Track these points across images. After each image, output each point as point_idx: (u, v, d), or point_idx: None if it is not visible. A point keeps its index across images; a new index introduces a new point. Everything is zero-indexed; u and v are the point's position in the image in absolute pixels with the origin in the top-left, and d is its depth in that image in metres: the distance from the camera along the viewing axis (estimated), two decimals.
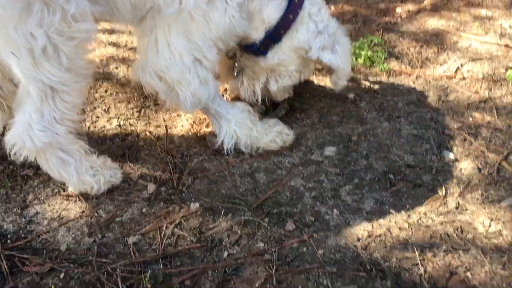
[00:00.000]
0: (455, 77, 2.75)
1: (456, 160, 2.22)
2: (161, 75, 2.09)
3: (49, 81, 1.75)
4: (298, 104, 2.62)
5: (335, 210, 2.00)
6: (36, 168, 2.19)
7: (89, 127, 2.45)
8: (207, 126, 2.45)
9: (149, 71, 2.10)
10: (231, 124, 2.28)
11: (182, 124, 2.48)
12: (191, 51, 2.04)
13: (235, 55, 2.43)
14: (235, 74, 2.47)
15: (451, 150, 2.28)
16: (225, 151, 2.29)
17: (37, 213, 2.00)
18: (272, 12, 2.16)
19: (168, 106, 2.27)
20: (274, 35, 2.20)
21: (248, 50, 2.32)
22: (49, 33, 1.65)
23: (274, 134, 2.31)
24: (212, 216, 1.98)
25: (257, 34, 2.21)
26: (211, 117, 2.32)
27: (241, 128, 2.28)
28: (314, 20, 2.21)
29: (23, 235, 1.90)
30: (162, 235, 1.89)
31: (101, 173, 2.05)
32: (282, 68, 2.34)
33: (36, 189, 2.11)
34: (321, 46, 2.21)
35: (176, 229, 1.91)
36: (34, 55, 1.68)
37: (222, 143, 2.30)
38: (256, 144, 2.30)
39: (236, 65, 2.45)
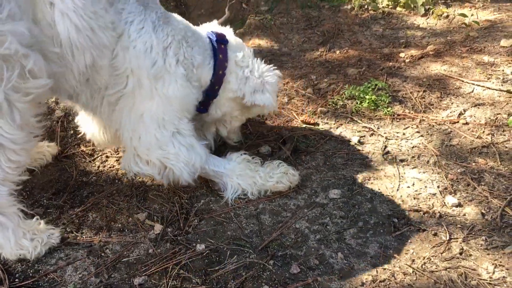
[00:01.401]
0: (458, 122, 2.80)
1: (459, 205, 2.25)
2: (146, 159, 2.18)
3: (0, 138, 1.71)
4: (303, 147, 2.67)
5: (339, 254, 2.01)
6: (46, 207, 2.24)
7: (98, 167, 2.50)
8: None
9: (134, 161, 2.21)
10: (233, 179, 2.33)
11: None
12: (164, 127, 2.15)
13: None
14: None
15: (454, 195, 2.30)
16: (230, 202, 2.31)
17: (46, 252, 2.02)
18: (206, 74, 2.29)
19: (166, 184, 2.30)
20: (211, 93, 2.35)
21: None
22: (6, 89, 1.63)
23: (279, 175, 2.35)
24: (217, 258, 2.00)
25: (200, 96, 2.34)
26: (213, 178, 2.37)
27: (244, 180, 2.33)
28: (241, 66, 2.35)
29: (31, 274, 1.92)
30: (167, 276, 1.91)
31: (38, 236, 1.98)
32: (227, 118, 2.50)
33: None
34: (252, 90, 2.34)
35: (181, 271, 1.93)
36: None
37: (230, 197, 2.32)
38: (263, 188, 2.35)
39: None
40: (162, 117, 2.13)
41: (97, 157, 2.56)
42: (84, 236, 2.10)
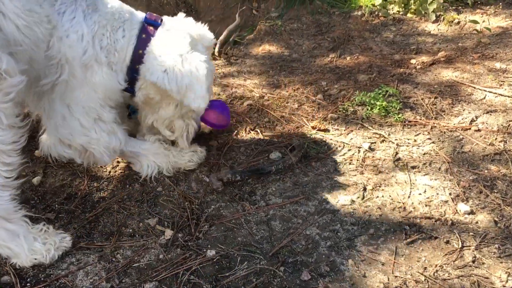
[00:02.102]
0: (470, 128, 2.78)
1: (472, 212, 2.23)
2: (68, 143, 2.26)
3: None
4: (313, 153, 2.66)
5: (350, 261, 2.00)
6: (57, 212, 2.26)
7: (109, 172, 2.52)
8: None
9: (55, 144, 2.28)
10: (149, 157, 2.45)
11: (199, 170, 2.53)
12: (88, 114, 2.20)
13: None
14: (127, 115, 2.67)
15: (467, 202, 2.28)
16: (148, 179, 2.45)
17: (59, 256, 2.03)
18: (129, 53, 2.27)
19: (86, 165, 2.41)
20: (133, 72, 2.30)
21: (129, 92, 2.39)
22: None
23: (190, 154, 2.52)
24: (228, 264, 2.00)
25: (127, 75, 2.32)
26: (129, 158, 2.49)
27: (158, 158, 2.46)
28: (162, 48, 2.24)
29: (42, 279, 1.93)
30: (178, 282, 1.91)
31: (50, 240, 2.00)
32: (152, 102, 2.39)
33: None
34: (155, 67, 2.21)
35: (192, 276, 1.93)
36: None
37: (147, 175, 2.46)
38: (177, 166, 2.50)
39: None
40: (88, 104, 2.19)
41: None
42: (95, 241, 2.11)
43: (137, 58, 2.27)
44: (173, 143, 2.58)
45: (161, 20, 2.35)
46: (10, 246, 1.91)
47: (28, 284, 1.91)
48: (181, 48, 2.21)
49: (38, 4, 1.97)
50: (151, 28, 2.30)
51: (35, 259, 1.96)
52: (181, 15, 2.43)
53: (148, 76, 2.23)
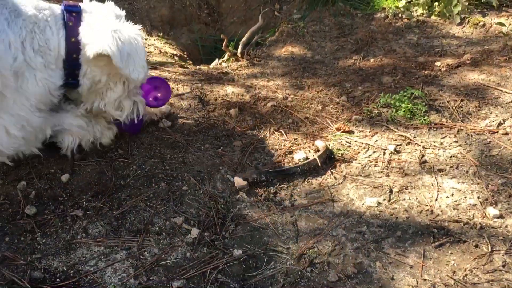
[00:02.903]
0: (497, 132, 2.75)
1: (501, 216, 2.20)
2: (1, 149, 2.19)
3: None
4: (338, 154, 2.65)
5: (378, 263, 1.99)
6: (85, 209, 2.28)
7: (136, 170, 2.54)
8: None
9: None
10: (72, 132, 2.45)
11: (224, 170, 2.54)
12: (17, 123, 2.15)
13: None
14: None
15: (495, 206, 2.25)
16: (69, 153, 2.50)
17: (85, 253, 2.06)
18: (62, 46, 2.23)
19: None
20: (72, 63, 2.27)
21: (69, 86, 2.37)
22: None
23: (108, 130, 2.57)
24: (254, 263, 2.00)
25: (64, 69, 2.29)
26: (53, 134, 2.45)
27: (80, 133, 2.47)
28: (93, 25, 2.25)
29: (71, 275, 1.95)
30: (205, 280, 1.91)
31: None
32: (99, 86, 2.38)
33: (85, 229, 2.18)
34: (93, 40, 2.21)
35: (219, 275, 1.94)
36: None
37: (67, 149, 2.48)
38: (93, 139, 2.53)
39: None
40: (18, 113, 2.14)
41: (135, 161, 2.60)
42: (122, 238, 2.13)
43: (72, 46, 2.24)
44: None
45: (78, 5, 2.32)
46: None
47: (58, 279, 1.93)
48: (114, 24, 2.25)
49: None
50: (74, 14, 2.27)
51: None
52: (86, 0, 2.43)
53: (90, 51, 2.20)
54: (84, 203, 2.33)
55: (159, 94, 2.85)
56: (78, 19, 2.27)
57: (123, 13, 2.42)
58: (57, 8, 2.29)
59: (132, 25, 2.35)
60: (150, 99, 2.82)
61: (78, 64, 2.29)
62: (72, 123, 2.45)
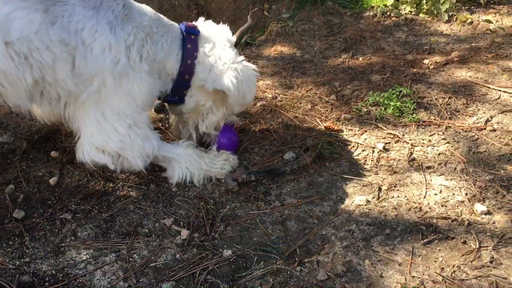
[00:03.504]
0: (485, 128, 2.77)
1: (488, 212, 2.21)
2: (103, 148, 2.26)
3: None
4: (327, 153, 2.66)
5: (367, 261, 2.00)
6: (74, 212, 2.27)
7: (125, 172, 2.53)
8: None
9: (90, 149, 2.27)
10: (181, 164, 2.43)
11: None
12: (123, 120, 2.22)
13: (164, 108, 2.64)
14: (167, 125, 2.73)
15: (483, 202, 2.27)
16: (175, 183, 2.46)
17: (74, 256, 2.05)
18: (173, 64, 2.36)
19: (119, 171, 2.39)
20: (182, 82, 2.39)
21: (170, 102, 2.53)
22: None
23: (222, 162, 2.50)
24: (244, 264, 2.00)
25: (168, 86, 2.43)
26: (162, 163, 2.48)
27: (191, 165, 2.44)
28: (209, 56, 2.38)
29: (60, 278, 1.95)
30: (195, 281, 1.91)
31: None
32: (202, 108, 2.52)
33: (74, 233, 2.17)
34: (215, 77, 2.37)
35: (209, 276, 1.94)
36: None
37: (178, 181, 2.45)
38: (209, 174, 2.47)
39: (168, 116, 2.66)
40: (124, 111, 2.22)
41: None
42: (111, 241, 2.12)
43: (187, 68, 2.37)
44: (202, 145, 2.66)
45: (197, 27, 2.44)
46: None
47: (47, 283, 1.93)
48: (233, 58, 2.39)
49: (42, 30, 1.95)
50: (193, 36, 2.39)
51: None
52: (201, 19, 2.57)
53: (211, 85, 2.36)
54: (73, 206, 2.32)
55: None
56: (196, 43, 2.39)
57: (234, 38, 2.54)
58: (176, 27, 2.41)
59: (247, 61, 2.48)
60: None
61: (187, 85, 2.42)
62: (181, 153, 2.45)
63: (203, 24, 2.53)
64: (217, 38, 2.44)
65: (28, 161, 2.55)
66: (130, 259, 2.03)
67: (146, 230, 2.19)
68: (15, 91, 2.05)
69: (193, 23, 2.51)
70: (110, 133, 2.22)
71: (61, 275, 1.96)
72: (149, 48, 2.23)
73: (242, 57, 2.45)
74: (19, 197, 2.32)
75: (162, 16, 2.40)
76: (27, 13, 1.92)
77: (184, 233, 2.15)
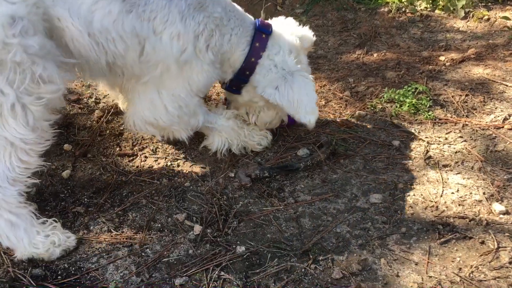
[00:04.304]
0: (503, 127, 2.71)
1: (507, 212, 2.17)
2: (152, 123, 2.38)
3: (12, 138, 1.82)
4: (341, 150, 2.62)
5: (382, 260, 1.97)
6: (87, 206, 2.26)
7: (137, 167, 2.52)
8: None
9: (139, 123, 2.39)
10: (222, 133, 2.53)
11: (227, 166, 2.51)
12: (175, 102, 2.30)
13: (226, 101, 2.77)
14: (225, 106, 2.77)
15: (501, 202, 2.22)
16: (219, 155, 2.56)
17: (87, 250, 2.04)
18: (237, 58, 2.38)
19: (166, 139, 2.55)
20: (242, 77, 2.43)
21: (229, 90, 2.57)
22: (18, 92, 1.77)
23: (260, 137, 2.60)
24: (258, 261, 1.98)
25: (228, 76, 2.46)
26: (204, 130, 2.56)
27: (230, 135, 2.53)
28: (272, 60, 2.39)
29: (73, 272, 1.94)
30: (208, 277, 1.89)
31: (54, 236, 1.99)
32: (254, 105, 2.55)
33: (86, 226, 2.16)
34: (266, 84, 2.37)
35: (222, 272, 1.92)
36: (3, 112, 1.79)
37: (217, 150, 2.55)
38: (245, 145, 2.58)
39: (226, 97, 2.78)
40: (179, 94, 2.29)
41: (136, 157, 2.58)
42: (124, 235, 2.11)
43: (249, 65, 2.39)
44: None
45: (271, 27, 2.44)
46: (9, 236, 1.92)
47: (59, 277, 1.92)
48: (291, 65, 2.37)
49: (118, 20, 2.00)
50: (263, 35, 2.39)
51: (34, 253, 1.95)
52: (282, 17, 2.60)
53: (260, 91, 2.39)
54: (86, 199, 2.31)
55: None
56: (265, 43, 2.39)
57: (304, 31, 2.57)
58: (250, 22, 2.41)
59: (303, 57, 2.51)
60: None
61: (246, 80, 2.45)
62: (223, 124, 2.52)
63: (278, 23, 2.54)
64: (285, 42, 2.43)
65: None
66: (143, 254, 2.02)
67: (159, 225, 2.17)
68: (92, 71, 2.17)
69: (269, 21, 2.51)
70: (160, 112, 2.31)
71: (73, 268, 1.95)
72: (217, 39, 2.25)
73: (299, 66, 2.42)
74: (32, 189, 2.31)
75: (238, 8, 2.40)
76: (107, 3, 1.97)
77: (197, 228, 2.13)
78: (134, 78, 2.25)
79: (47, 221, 2.03)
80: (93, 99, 2.99)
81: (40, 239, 1.96)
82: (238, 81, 2.46)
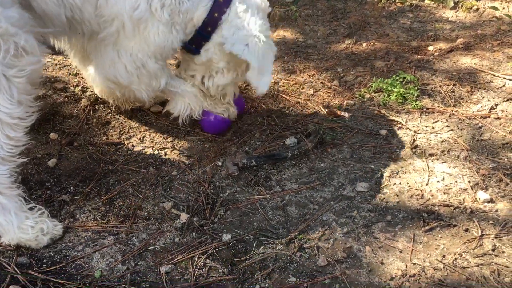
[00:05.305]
0: (489, 116, 2.73)
1: (491, 201, 2.19)
2: (113, 80, 2.40)
3: None
4: (329, 139, 2.63)
5: (367, 247, 1.98)
6: (73, 194, 2.25)
7: (124, 155, 2.51)
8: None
9: (101, 79, 2.46)
10: (185, 99, 2.54)
11: (214, 154, 2.51)
12: (134, 61, 2.30)
13: None
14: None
15: (486, 190, 2.24)
16: (181, 121, 2.59)
17: (73, 238, 2.03)
18: (200, 13, 2.33)
19: (126, 99, 2.61)
20: (204, 33, 2.37)
21: (186, 49, 2.48)
22: (2, 65, 1.77)
23: (224, 107, 2.61)
24: (244, 248, 1.99)
25: (190, 36, 2.40)
26: (167, 93, 2.57)
27: (193, 101, 2.55)
28: (239, 17, 2.34)
29: (58, 260, 1.93)
30: (194, 265, 1.90)
31: (42, 223, 1.97)
32: (213, 65, 2.48)
33: (72, 215, 2.15)
34: (236, 39, 2.31)
35: (208, 260, 1.92)
36: None
37: (179, 115, 2.58)
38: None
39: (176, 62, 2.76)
40: (136, 54, 2.28)
41: (123, 146, 2.57)
42: (110, 224, 2.10)
43: (212, 21, 2.33)
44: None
45: None
46: None
47: (44, 265, 1.91)
48: (260, 26, 2.32)
49: None
50: None
51: (23, 238, 1.94)
52: None
53: (228, 46, 2.31)
54: (72, 188, 2.30)
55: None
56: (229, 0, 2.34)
57: (269, 9, 2.51)
58: None
59: (266, 21, 2.42)
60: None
61: (208, 37, 2.39)
62: (187, 90, 2.53)
63: None
64: (253, 3, 2.38)
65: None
66: (129, 242, 2.02)
67: (145, 214, 2.17)
68: (56, 27, 2.16)
69: None
70: (120, 70, 2.33)
71: (59, 257, 1.95)
72: None
73: (270, 32, 2.41)
74: (17, 178, 2.29)
75: None
76: None
77: (184, 217, 2.13)
78: (94, 36, 2.27)
79: (35, 207, 2.02)
80: (79, 88, 2.96)
81: (30, 224, 1.95)
82: (199, 38, 2.39)
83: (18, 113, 1.86)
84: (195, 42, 2.42)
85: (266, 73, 2.37)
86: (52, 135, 2.59)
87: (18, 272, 1.85)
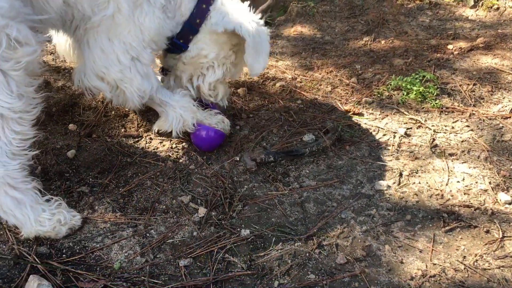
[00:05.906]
0: (510, 117, 2.70)
1: None
2: (102, 76, 2.25)
3: (0, 109, 1.78)
4: (347, 136, 2.61)
5: (387, 246, 1.96)
6: (91, 186, 2.26)
7: (142, 148, 2.51)
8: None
9: (89, 74, 2.27)
10: (176, 109, 2.43)
11: (232, 149, 2.50)
12: (127, 51, 2.21)
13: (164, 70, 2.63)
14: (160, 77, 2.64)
15: (507, 192, 2.22)
16: (174, 134, 2.47)
17: (92, 229, 2.04)
18: (187, 4, 2.31)
19: (115, 104, 2.43)
20: (191, 26, 2.35)
21: (173, 48, 2.44)
22: None
23: (218, 118, 2.51)
24: (262, 244, 1.98)
25: (178, 28, 2.36)
26: (157, 106, 2.48)
27: (186, 112, 2.43)
28: (225, 6, 2.34)
29: (77, 251, 1.94)
30: (213, 260, 1.90)
31: (60, 214, 1.97)
32: (203, 60, 2.45)
33: (91, 206, 2.16)
34: (228, 21, 2.30)
35: (226, 255, 1.92)
36: None
37: (171, 130, 2.47)
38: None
39: (163, 66, 2.64)
40: (130, 42, 2.20)
41: (141, 139, 2.57)
42: (129, 216, 2.11)
43: (200, 11, 2.32)
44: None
45: None
46: (15, 214, 1.90)
47: (64, 255, 1.92)
48: (251, 14, 2.34)
49: None
50: None
51: (41, 230, 1.94)
52: None
53: (221, 26, 2.29)
54: (91, 179, 2.30)
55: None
56: None
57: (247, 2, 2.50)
58: None
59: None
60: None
61: (196, 30, 2.36)
62: (179, 100, 2.44)
63: None
64: None
65: (46, 133, 2.53)
66: (147, 235, 2.02)
67: (163, 207, 2.17)
68: (48, 12, 2.06)
69: None
70: (112, 62, 2.21)
71: (78, 247, 1.96)
72: None
73: (258, 16, 2.41)
74: (36, 168, 2.31)
75: None
76: None
77: (202, 211, 2.13)
78: (85, 21, 2.16)
79: (51, 198, 2.03)
80: None
81: (46, 216, 1.95)
82: (187, 32, 2.36)
83: (21, 107, 1.81)
84: (184, 37, 2.39)
85: (262, 53, 2.35)
86: (71, 126, 2.60)
87: (38, 261, 1.86)
